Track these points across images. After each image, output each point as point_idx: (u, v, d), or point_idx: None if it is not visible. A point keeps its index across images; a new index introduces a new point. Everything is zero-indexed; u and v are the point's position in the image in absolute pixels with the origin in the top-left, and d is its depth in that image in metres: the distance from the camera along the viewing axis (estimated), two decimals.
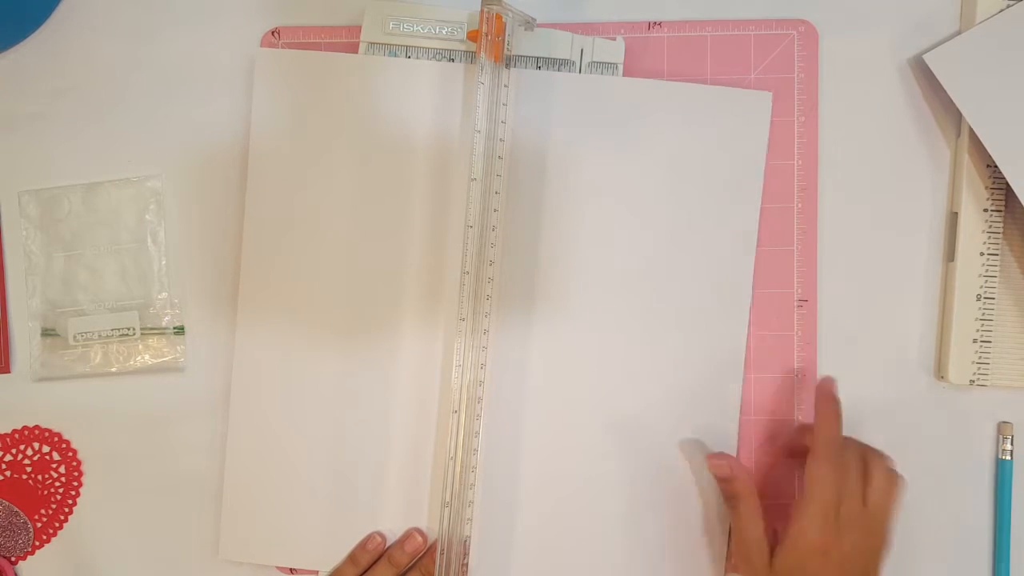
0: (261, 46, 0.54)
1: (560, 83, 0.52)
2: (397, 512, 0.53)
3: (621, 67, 0.53)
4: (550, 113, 0.52)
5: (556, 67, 0.53)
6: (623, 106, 0.52)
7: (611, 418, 0.52)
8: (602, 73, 0.53)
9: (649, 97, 0.52)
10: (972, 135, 0.51)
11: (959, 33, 0.52)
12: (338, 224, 0.53)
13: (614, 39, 0.53)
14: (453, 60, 0.52)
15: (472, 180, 0.50)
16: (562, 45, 0.52)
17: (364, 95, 0.53)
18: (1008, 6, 0.51)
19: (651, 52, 0.53)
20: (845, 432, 0.48)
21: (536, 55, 0.52)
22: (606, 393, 0.52)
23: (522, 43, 0.52)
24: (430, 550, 0.52)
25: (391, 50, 0.53)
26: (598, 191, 0.52)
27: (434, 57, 0.53)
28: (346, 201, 0.53)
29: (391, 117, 0.53)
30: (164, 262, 0.55)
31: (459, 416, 0.50)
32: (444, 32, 0.52)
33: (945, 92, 0.50)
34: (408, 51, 0.53)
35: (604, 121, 0.52)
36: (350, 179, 0.53)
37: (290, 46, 0.54)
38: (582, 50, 0.52)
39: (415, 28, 0.52)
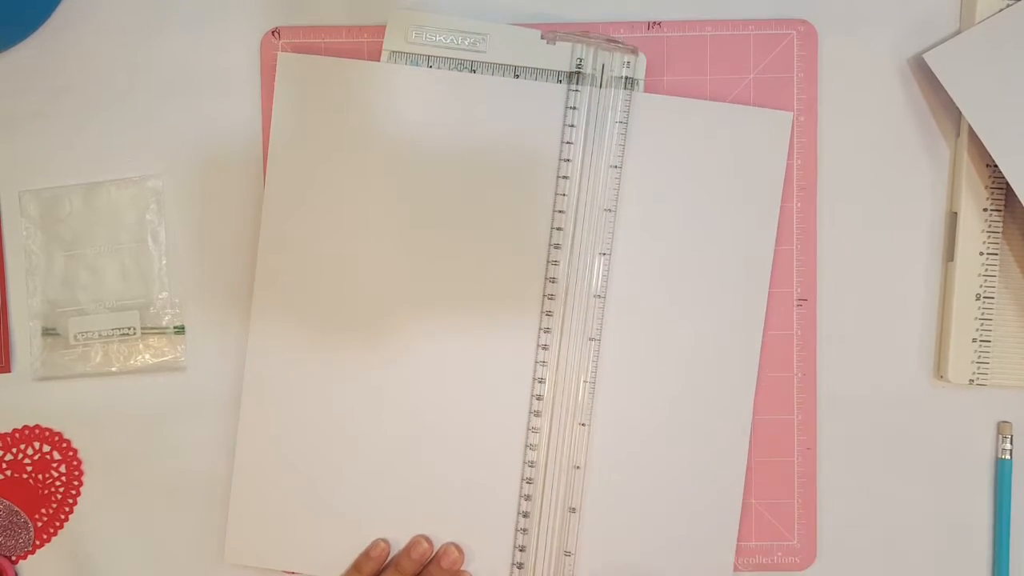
0: (261, 46, 0.54)
1: (580, 97, 0.52)
2: (406, 519, 0.53)
3: (643, 83, 0.52)
4: (568, 127, 0.52)
5: (575, 81, 0.52)
6: (642, 122, 0.52)
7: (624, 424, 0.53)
8: (623, 88, 0.52)
9: (669, 114, 0.52)
10: (972, 135, 0.51)
11: (959, 33, 0.52)
12: (356, 230, 0.53)
13: (635, 54, 0.52)
14: (475, 71, 0.52)
15: (606, 211, 0.52)
16: (583, 59, 0.52)
17: (385, 102, 0.53)
18: (1008, 5, 0.51)
19: (651, 52, 0.53)
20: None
21: (556, 68, 0.52)
22: (612, 402, 0.53)
23: (541, 56, 0.52)
24: (435, 557, 0.52)
25: (413, 59, 0.53)
26: (616, 206, 0.52)
27: (455, 68, 0.53)
28: (364, 206, 0.53)
29: (411, 125, 0.53)
30: (164, 262, 0.55)
31: (587, 428, 0.52)
32: (466, 43, 0.52)
33: (945, 92, 0.50)
34: (430, 60, 0.53)
35: (622, 136, 0.52)
36: (368, 185, 0.53)
37: (290, 46, 0.54)
38: (603, 65, 0.52)
39: (437, 39, 0.52)
